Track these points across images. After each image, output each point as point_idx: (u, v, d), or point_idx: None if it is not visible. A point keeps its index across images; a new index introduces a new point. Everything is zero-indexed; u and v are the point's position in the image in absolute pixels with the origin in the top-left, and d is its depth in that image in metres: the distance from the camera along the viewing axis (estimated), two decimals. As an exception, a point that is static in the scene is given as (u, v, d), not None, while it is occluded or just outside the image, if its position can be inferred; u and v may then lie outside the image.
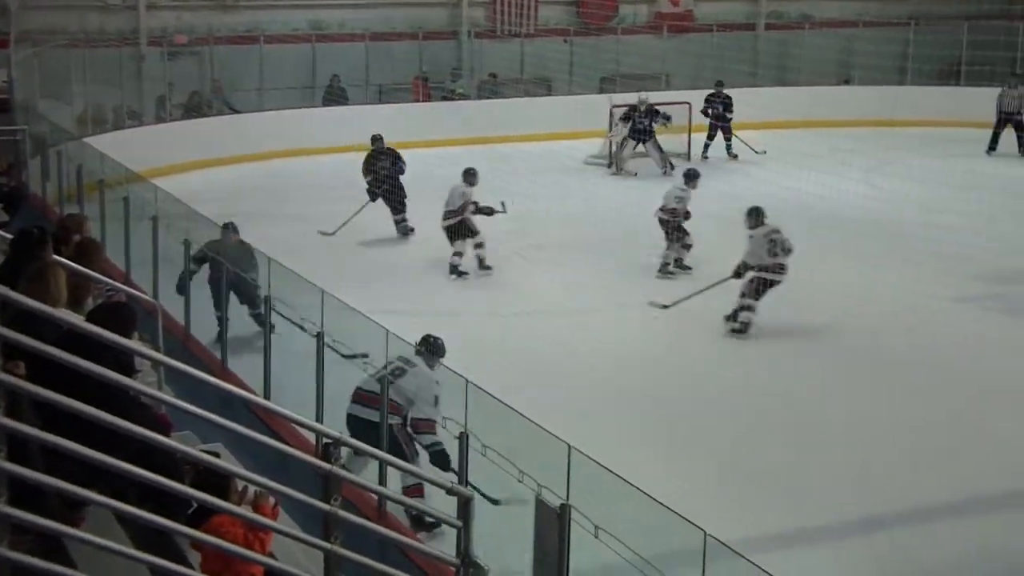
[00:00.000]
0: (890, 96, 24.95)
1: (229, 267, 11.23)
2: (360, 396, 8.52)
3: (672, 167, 21.51)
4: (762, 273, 13.00)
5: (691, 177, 15.60)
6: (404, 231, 17.09)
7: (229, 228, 12.01)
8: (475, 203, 15.23)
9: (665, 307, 13.60)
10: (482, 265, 15.18)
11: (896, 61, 27.22)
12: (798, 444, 10.18)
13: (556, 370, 11.65)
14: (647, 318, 13.48)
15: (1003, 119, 23.13)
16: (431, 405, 8.40)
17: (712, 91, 23.10)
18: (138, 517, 4.53)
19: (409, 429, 8.42)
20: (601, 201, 18.19)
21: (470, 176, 15.38)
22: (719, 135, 22.68)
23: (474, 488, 7.02)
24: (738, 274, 13.16)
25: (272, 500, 5.45)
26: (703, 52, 26.96)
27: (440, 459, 8.19)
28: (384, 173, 17.16)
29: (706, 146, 22.57)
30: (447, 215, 15.19)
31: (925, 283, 13.85)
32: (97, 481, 4.55)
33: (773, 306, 13.45)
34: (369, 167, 17.43)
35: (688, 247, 15.22)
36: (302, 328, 9.19)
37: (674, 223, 15.10)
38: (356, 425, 8.26)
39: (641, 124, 21.34)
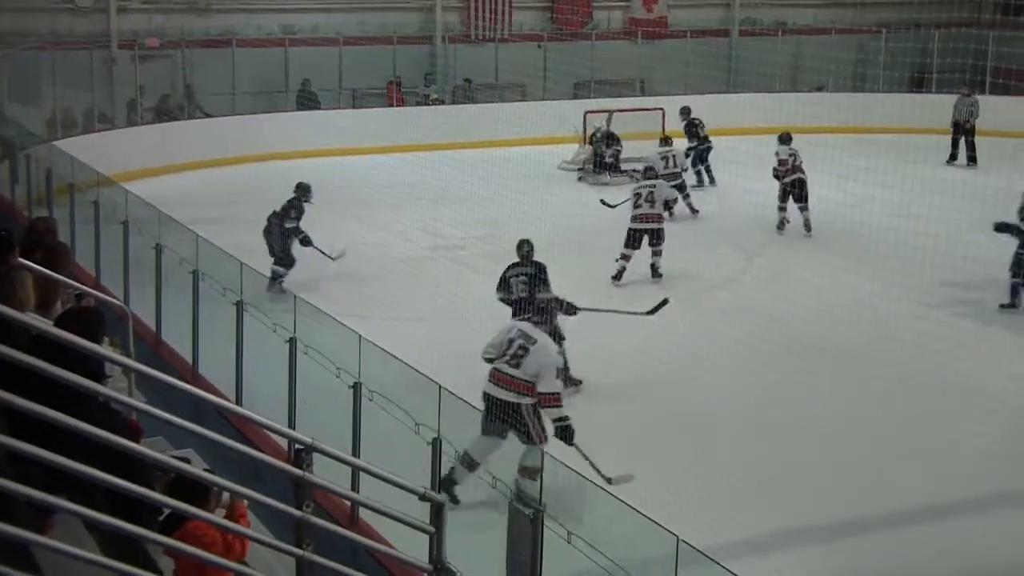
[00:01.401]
0: (864, 103, 25.12)
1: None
2: (498, 377, 8.77)
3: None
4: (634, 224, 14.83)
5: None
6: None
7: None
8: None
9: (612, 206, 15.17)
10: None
11: (869, 68, 27.38)
12: (770, 449, 10.18)
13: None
14: (623, 321, 13.46)
15: (957, 127, 23.28)
16: (554, 378, 8.73)
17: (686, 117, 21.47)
18: (108, 524, 4.47)
19: (530, 401, 8.72)
20: (574, 206, 18.17)
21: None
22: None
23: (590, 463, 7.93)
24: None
25: (244, 502, 5.42)
26: (677, 58, 27.03)
27: (565, 433, 8.59)
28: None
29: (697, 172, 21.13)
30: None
31: (896, 288, 13.89)
32: (66, 488, 4.49)
33: (744, 310, 13.49)
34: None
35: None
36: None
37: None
38: (492, 404, 8.65)
39: (600, 150, 21.37)
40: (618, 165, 21.45)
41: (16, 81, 20.24)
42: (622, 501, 5.76)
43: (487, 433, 8.62)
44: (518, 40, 26.86)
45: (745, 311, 13.72)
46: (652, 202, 15.02)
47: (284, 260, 14.33)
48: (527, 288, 11.46)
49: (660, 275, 15.00)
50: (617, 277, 14.83)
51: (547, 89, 26.14)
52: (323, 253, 14.62)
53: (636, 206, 15.03)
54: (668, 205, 15.92)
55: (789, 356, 12.45)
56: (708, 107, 22.38)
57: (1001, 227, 14.20)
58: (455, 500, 8.06)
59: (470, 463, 8.37)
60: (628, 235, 14.96)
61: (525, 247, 11.81)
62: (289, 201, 14.64)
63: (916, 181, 16.92)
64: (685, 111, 21.37)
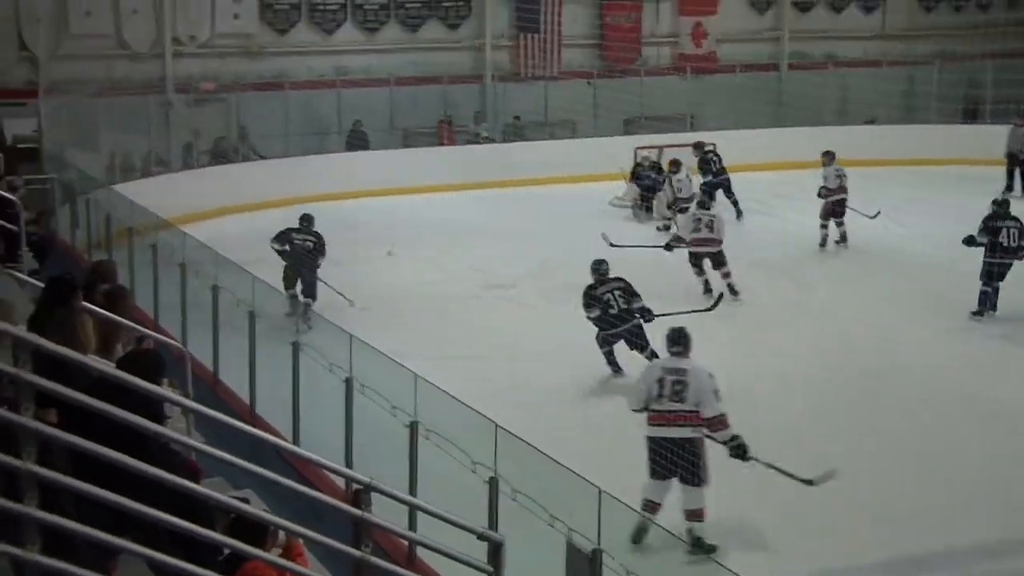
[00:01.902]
0: (915, 135, 24.94)
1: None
2: (665, 418, 8.94)
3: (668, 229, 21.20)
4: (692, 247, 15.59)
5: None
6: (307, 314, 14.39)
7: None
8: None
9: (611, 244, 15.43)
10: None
11: (920, 100, 27.20)
12: (824, 487, 10.07)
13: (578, 411, 11.60)
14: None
15: (1012, 158, 22.98)
16: (715, 400, 8.93)
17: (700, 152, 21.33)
18: (170, 565, 4.52)
19: (705, 431, 8.95)
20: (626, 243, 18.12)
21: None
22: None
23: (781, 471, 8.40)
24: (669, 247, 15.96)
25: (300, 540, 5.46)
26: (726, 93, 27.00)
27: (740, 451, 8.94)
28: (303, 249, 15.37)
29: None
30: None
31: (951, 321, 13.79)
32: (129, 528, 4.54)
33: (795, 341, 13.42)
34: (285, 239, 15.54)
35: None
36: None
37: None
38: (663, 446, 8.85)
39: (646, 182, 21.24)
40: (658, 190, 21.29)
41: (76, 127, 20.58)
42: (680, 539, 5.74)
43: (659, 477, 8.89)
44: (568, 77, 26.94)
45: (796, 342, 13.62)
46: (711, 228, 15.63)
47: (312, 292, 14.92)
48: (626, 299, 12.47)
49: (737, 292, 15.43)
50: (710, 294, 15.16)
51: (597, 126, 26.19)
52: (340, 294, 15.01)
53: (696, 230, 15.68)
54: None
55: (838, 387, 12.36)
56: (758, 141, 22.38)
57: (968, 241, 14.57)
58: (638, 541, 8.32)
59: (652, 508, 8.72)
60: (690, 258, 15.77)
61: (604, 266, 12.79)
62: (317, 235, 15.37)
63: (969, 213, 16.80)
64: (698, 146, 21.32)
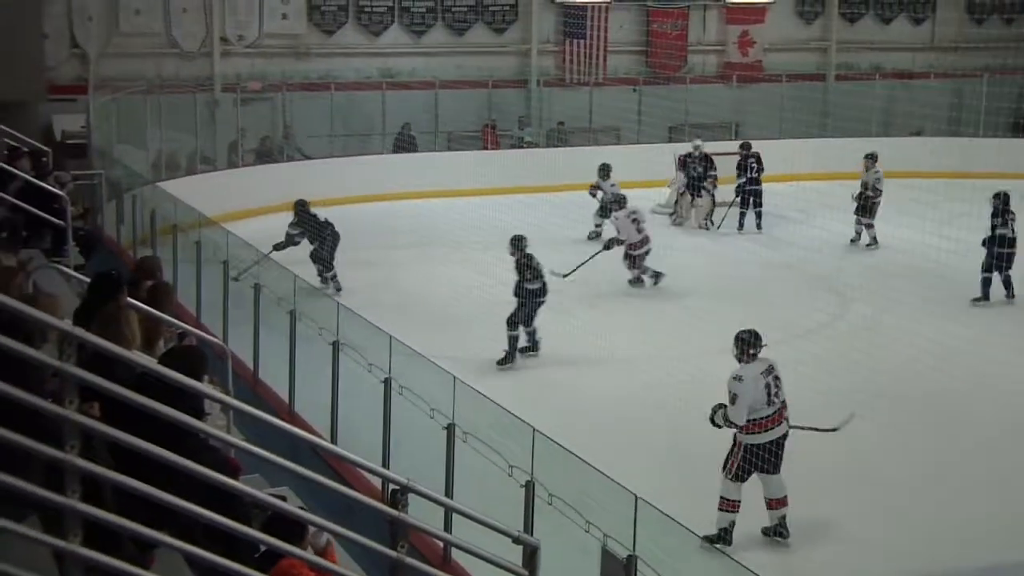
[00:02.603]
0: (963, 148, 24.71)
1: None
2: (769, 422, 9.23)
3: (712, 223, 21.26)
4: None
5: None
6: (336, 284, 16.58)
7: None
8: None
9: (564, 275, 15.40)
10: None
11: (967, 113, 26.96)
12: (876, 500, 10.02)
13: (620, 417, 11.59)
14: (717, 365, 13.39)
15: None
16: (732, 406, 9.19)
17: (742, 152, 21.35)
18: (206, 559, 4.56)
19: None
20: (665, 251, 18.09)
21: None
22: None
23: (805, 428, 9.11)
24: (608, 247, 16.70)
25: (324, 538, 5.50)
26: (772, 102, 26.88)
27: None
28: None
29: (741, 214, 21.05)
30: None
31: (993, 335, 13.65)
32: (168, 523, 4.59)
33: (838, 356, 13.34)
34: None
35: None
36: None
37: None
38: (765, 448, 9.17)
39: (696, 172, 21.22)
40: (706, 183, 21.29)
41: (123, 124, 20.76)
42: (717, 548, 5.72)
43: (745, 478, 9.20)
44: (613, 84, 26.91)
45: (840, 357, 13.53)
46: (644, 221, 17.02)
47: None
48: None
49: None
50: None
51: (641, 132, 26.14)
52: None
53: (639, 231, 16.90)
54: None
55: (882, 404, 12.25)
56: (803, 151, 22.23)
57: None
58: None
59: (734, 507, 9.08)
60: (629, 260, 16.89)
61: (524, 241, 14.15)
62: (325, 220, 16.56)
63: (1019, 226, 16.67)
64: (743, 146, 21.29)
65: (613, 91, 26.66)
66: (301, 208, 16.71)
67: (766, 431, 9.10)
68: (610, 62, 27.12)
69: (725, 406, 9.19)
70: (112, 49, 22.50)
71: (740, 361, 9.39)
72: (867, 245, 19.66)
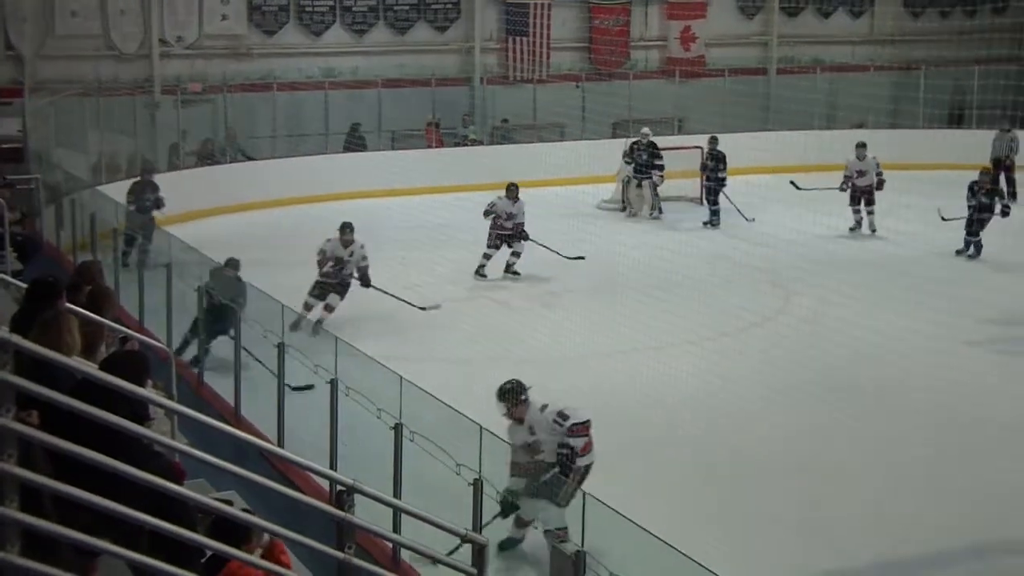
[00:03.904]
0: (902, 139, 24.99)
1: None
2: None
3: (660, 212, 21.50)
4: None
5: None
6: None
7: (230, 265, 12.63)
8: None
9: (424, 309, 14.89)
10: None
11: (907, 105, 27.28)
12: (820, 489, 10.10)
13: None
14: (661, 360, 13.46)
15: (996, 163, 23.14)
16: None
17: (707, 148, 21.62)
18: (151, 566, 4.50)
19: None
20: (615, 245, 18.16)
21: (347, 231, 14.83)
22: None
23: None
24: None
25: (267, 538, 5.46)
26: (715, 97, 27.05)
27: None
28: (148, 204, 17.35)
29: (714, 212, 21.10)
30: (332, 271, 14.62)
31: (940, 326, 13.80)
32: (110, 530, 4.52)
33: (780, 349, 13.44)
34: (135, 196, 17.44)
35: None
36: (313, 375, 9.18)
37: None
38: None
39: (641, 159, 21.35)
40: (651, 171, 21.42)
41: (61, 127, 20.52)
42: (663, 541, 5.73)
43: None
44: (556, 80, 26.97)
45: (781, 350, 13.65)
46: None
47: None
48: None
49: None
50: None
51: (585, 129, 26.20)
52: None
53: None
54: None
55: (825, 395, 12.37)
56: (746, 145, 22.38)
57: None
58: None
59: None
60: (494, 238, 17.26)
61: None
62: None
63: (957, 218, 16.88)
64: (712, 140, 21.38)
65: (556, 88, 26.73)
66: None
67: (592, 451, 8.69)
68: (553, 59, 27.18)
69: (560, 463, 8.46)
70: (48, 51, 22.22)
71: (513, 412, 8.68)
72: (873, 231, 20.02)
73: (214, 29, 24.28)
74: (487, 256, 17.25)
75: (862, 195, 20.22)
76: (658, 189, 21.59)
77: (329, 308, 14.39)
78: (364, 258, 14.68)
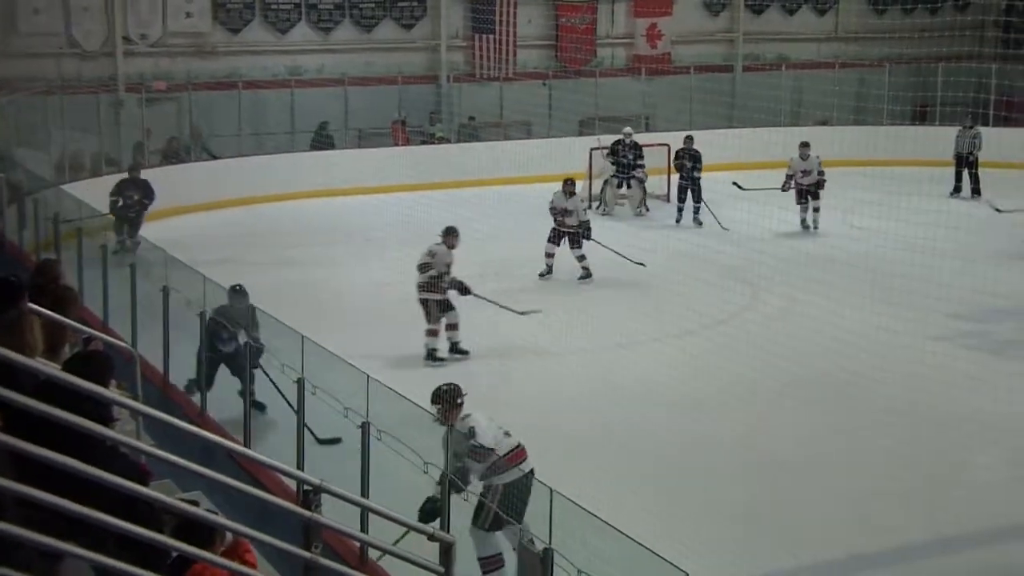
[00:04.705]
0: (867, 136, 25.15)
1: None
2: (521, 454, 8.26)
3: (647, 209, 21.69)
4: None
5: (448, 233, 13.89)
6: (135, 248, 17.21)
7: (239, 292, 11.26)
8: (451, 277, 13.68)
9: None
10: (455, 349, 13.64)
11: (871, 102, 27.47)
12: (785, 485, 10.16)
13: (536, 411, 11.60)
14: (628, 357, 13.49)
15: (959, 159, 23.36)
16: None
17: (682, 147, 21.42)
18: (116, 568, 4.47)
19: None
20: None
21: (451, 237, 13.81)
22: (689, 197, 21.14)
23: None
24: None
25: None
26: (681, 94, 27.14)
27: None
28: (130, 201, 18.20)
29: (679, 210, 21.10)
30: (426, 286, 13.57)
31: (905, 322, 13.89)
32: (75, 532, 4.49)
33: (748, 345, 13.51)
34: (118, 191, 18.29)
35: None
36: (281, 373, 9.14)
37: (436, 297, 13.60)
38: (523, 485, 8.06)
39: (625, 159, 21.39)
40: (636, 170, 21.41)
41: (24, 125, 20.35)
42: (631, 538, 5.74)
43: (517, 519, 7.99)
44: (523, 78, 26.99)
45: (749, 346, 13.70)
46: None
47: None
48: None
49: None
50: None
51: (552, 126, 26.23)
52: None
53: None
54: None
55: (793, 390, 12.44)
56: (712, 142, 22.45)
57: None
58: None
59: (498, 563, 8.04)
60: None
61: None
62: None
63: (920, 214, 16.98)
64: (688, 140, 21.39)
65: (523, 85, 26.76)
66: None
67: (523, 462, 8.19)
68: (519, 56, 27.19)
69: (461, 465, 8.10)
70: (10, 49, 22.00)
71: (447, 416, 8.41)
72: (815, 228, 20.32)
73: (178, 27, 24.13)
74: (548, 254, 17.13)
75: (808, 194, 20.35)
76: (644, 184, 21.66)
77: (453, 326, 13.67)
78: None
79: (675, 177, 22.24)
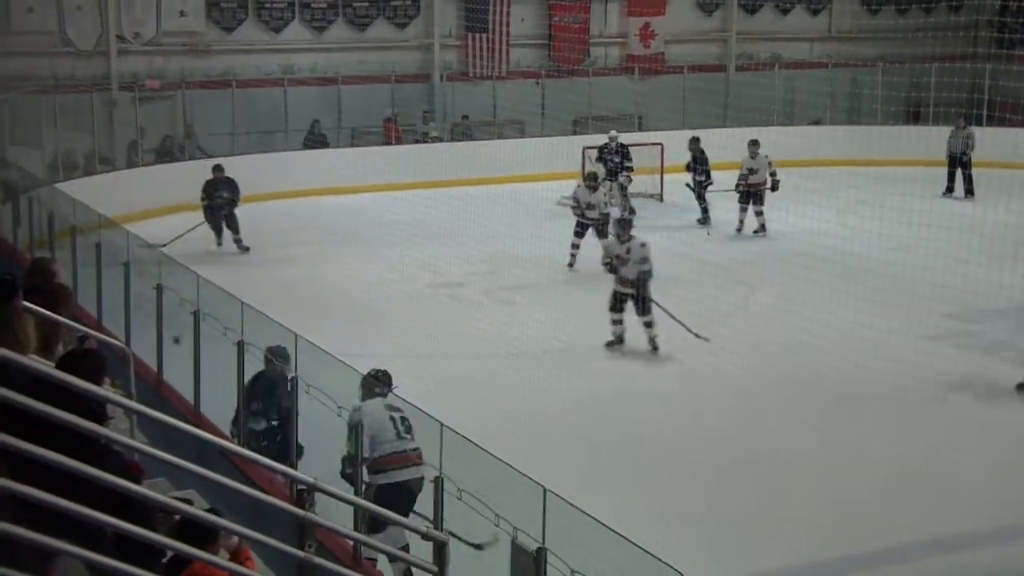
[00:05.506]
0: (860, 136, 25.20)
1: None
2: (405, 459, 8.23)
3: (633, 212, 21.54)
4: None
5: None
6: (243, 249, 18.62)
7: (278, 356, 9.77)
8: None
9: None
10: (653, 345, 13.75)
11: (864, 102, 27.51)
12: (776, 486, 10.18)
13: (529, 411, 11.63)
14: (621, 358, 13.51)
15: (953, 160, 23.38)
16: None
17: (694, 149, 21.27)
18: (110, 567, 4.47)
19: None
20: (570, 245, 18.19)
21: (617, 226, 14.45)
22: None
23: (454, 535, 6.93)
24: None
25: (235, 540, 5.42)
26: (674, 93, 27.15)
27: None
28: (220, 201, 18.56)
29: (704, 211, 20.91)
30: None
31: (899, 322, 13.92)
32: (68, 531, 4.49)
33: (740, 344, 13.53)
34: (207, 193, 18.65)
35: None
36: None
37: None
38: (402, 490, 8.06)
39: (611, 163, 21.38)
40: (621, 172, 21.36)
41: (17, 124, 20.30)
42: (625, 538, 5.75)
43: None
44: (516, 77, 27.00)
45: (741, 345, 13.73)
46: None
47: None
48: None
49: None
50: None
51: (545, 125, 26.24)
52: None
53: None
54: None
55: (784, 390, 12.46)
56: (706, 142, 22.48)
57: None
58: None
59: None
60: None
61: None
62: None
63: (913, 214, 17.02)
64: (694, 140, 21.35)
65: (516, 84, 26.76)
66: None
67: (400, 468, 8.16)
68: (513, 55, 27.20)
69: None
70: (3, 48, 21.95)
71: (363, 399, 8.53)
72: (755, 232, 19.85)
73: (172, 26, 24.10)
74: (574, 245, 17.47)
75: (752, 195, 19.94)
76: (626, 190, 21.59)
77: (650, 324, 13.78)
78: (645, 259, 13.95)
79: (668, 177, 22.30)
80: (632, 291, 13.80)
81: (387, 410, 8.44)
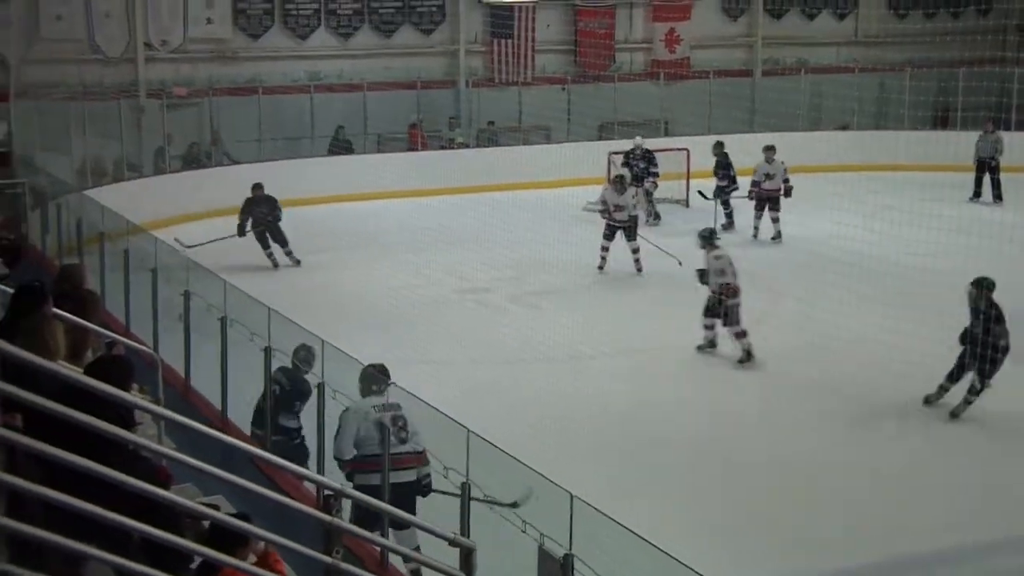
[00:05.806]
0: (887, 141, 25.07)
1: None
2: (401, 461, 8.24)
3: (658, 217, 21.49)
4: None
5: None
6: (295, 261, 18.36)
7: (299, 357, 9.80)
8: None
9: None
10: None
11: (892, 106, 27.37)
12: (805, 494, 10.13)
13: (556, 417, 11.62)
14: (646, 363, 13.48)
15: (981, 164, 23.21)
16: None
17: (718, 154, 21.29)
18: (139, 572, 4.49)
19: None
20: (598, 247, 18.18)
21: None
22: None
23: (488, 499, 7.02)
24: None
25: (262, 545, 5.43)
26: (700, 99, 27.09)
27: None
28: (261, 217, 18.29)
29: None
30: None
31: (926, 327, 13.81)
32: (97, 536, 4.51)
33: (773, 351, 13.48)
34: (247, 210, 18.37)
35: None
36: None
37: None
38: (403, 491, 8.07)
39: (637, 168, 21.34)
40: (646, 179, 21.32)
41: (46, 131, 20.43)
42: (652, 544, 5.74)
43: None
44: (541, 83, 27.00)
45: (768, 352, 13.67)
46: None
47: None
48: None
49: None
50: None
51: (571, 131, 26.23)
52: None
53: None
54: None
55: (813, 397, 12.40)
56: (732, 147, 22.42)
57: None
58: None
59: None
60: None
61: None
62: None
63: (941, 219, 16.90)
64: (718, 145, 21.30)
65: (542, 90, 26.75)
66: None
67: (380, 471, 8.08)
68: (538, 61, 27.21)
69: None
70: (33, 56, 22.12)
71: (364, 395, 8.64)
72: (772, 239, 19.72)
73: (199, 33, 24.24)
74: (604, 248, 17.59)
75: (767, 200, 19.86)
76: (652, 195, 21.56)
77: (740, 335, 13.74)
78: (721, 272, 13.96)
79: (694, 183, 22.24)
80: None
81: (378, 411, 8.45)
